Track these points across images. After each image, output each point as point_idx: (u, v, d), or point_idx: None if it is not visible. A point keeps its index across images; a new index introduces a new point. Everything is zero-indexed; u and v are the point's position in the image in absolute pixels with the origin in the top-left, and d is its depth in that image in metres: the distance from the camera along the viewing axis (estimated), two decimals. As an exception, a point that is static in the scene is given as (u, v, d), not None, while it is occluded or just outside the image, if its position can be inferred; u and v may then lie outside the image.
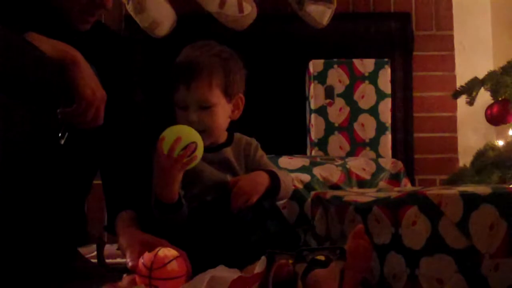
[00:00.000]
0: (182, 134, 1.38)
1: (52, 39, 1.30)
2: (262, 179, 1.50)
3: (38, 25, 1.32)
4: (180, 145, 1.37)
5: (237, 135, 1.63)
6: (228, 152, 1.56)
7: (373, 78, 2.43)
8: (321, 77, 2.41)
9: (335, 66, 2.42)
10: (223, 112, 1.56)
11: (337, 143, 2.40)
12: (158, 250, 1.26)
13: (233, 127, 1.66)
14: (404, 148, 2.71)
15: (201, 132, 1.53)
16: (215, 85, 1.53)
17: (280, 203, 1.83)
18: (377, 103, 2.42)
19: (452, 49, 2.77)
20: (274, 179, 1.51)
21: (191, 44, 1.59)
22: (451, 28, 2.78)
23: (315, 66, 2.42)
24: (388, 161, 2.19)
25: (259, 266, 1.20)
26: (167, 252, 1.26)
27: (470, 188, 1.24)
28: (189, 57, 1.56)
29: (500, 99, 2.38)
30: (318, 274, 1.12)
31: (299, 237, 1.60)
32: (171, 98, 1.56)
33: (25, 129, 1.28)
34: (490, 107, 2.42)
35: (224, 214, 1.44)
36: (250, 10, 2.36)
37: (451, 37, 2.77)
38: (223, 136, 1.61)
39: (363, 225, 1.22)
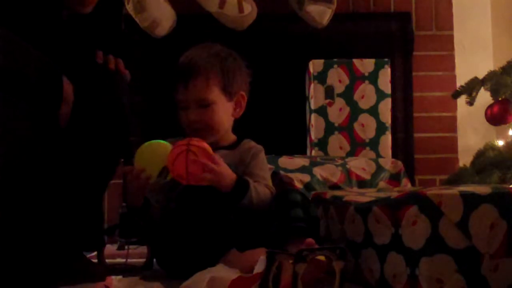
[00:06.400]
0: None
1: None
2: (228, 178, 1.48)
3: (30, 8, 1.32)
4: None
5: (245, 141, 1.63)
6: (223, 154, 1.56)
7: (373, 78, 2.43)
8: (321, 77, 2.41)
9: (335, 66, 2.42)
10: (223, 110, 1.58)
11: (337, 143, 2.40)
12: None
13: (235, 126, 1.66)
14: (404, 148, 2.71)
15: (202, 130, 1.55)
16: (213, 84, 1.56)
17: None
18: (377, 103, 2.42)
19: (452, 49, 2.77)
20: (241, 186, 1.49)
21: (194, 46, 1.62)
22: (451, 28, 2.77)
23: (315, 66, 2.42)
24: (388, 161, 2.19)
25: (258, 266, 1.20)
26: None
27: (470, 188, 1.24)
28: (187, 57, 1.59)
29: (500, 99, 2.38)
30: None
31: None
32: (173, 99, 1.59)
33: (27, 128, 1.28)
34: (490, 107, 2.42)
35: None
36: (250, 10, 2.36)
37: (451, 37, 2.77)
38: (228, 138, 1.62)
39: None
